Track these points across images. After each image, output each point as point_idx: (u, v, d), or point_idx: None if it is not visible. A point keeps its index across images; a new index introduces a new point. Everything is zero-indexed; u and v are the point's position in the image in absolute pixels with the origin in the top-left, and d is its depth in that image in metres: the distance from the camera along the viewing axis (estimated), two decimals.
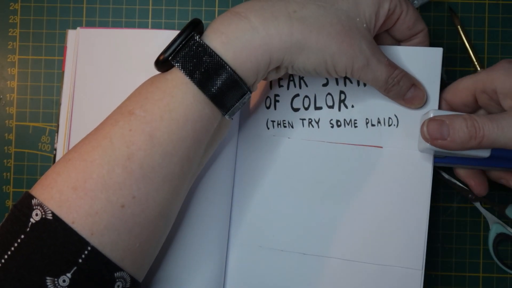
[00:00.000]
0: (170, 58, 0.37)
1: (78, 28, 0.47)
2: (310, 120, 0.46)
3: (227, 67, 0.37)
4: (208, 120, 0.38)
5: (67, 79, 0.48)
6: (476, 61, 0.51)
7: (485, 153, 0.41)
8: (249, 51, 0.37)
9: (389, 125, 0.45)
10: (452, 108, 0.45)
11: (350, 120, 0.45)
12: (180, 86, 0.37)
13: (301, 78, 0.46)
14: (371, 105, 0.45)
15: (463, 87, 0.44)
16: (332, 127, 0.46)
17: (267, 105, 0.47)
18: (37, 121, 0.53)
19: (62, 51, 0.53)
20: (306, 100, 0.46)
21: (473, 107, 0.45)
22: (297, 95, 0.46)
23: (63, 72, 0.48)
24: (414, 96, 0.44)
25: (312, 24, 0.38)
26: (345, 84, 0.45)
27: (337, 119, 0.45)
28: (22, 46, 0.53)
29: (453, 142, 0.40)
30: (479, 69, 0.51)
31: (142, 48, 0.46)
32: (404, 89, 0.43)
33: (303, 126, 0.46)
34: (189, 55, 0.37)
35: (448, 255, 0.51)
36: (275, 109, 0.47)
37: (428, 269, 0.50)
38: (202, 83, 0.37)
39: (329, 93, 0.46)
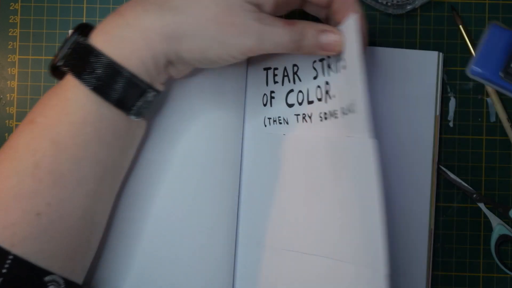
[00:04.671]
0: (61, 64, 0.38)
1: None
2: (304, 115, 0.44)
3: (111, 63, 0.37)
4: (110, 121, 0.38)
5: None
6: None
7: None
8: (130, 47, 0.37)
9: (353, 112, 0.39)
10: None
11: (334, 111, 0.41)
12: (72, 89, 0.37)
13: (294, 72, 0.45)
14: (344, 92, 0.40)
15: None
16: (321, 120, 0.43)
17: (264, 102, 0.47)
18: None
19: None
20: (300, 95, 0.45)
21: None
22: (291, 90, 0.45)
23: None
24: (329, 41, 0.40)
25: (184, 11, 0.38)
26: (328, 74, 0.42)
27: (324, 111, 0.42)
28: (22, 46, 0.53)
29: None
30: None
31: None
32: (314, 39, 0.40)
33: (298, 121, 0.45)
34: (75, 58, 0.38)
35: (448, 255, 0.51)
36: (271, 106, 0.46)
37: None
38: (91, 83, 0.37)
39: (318, 86, 0.43)
